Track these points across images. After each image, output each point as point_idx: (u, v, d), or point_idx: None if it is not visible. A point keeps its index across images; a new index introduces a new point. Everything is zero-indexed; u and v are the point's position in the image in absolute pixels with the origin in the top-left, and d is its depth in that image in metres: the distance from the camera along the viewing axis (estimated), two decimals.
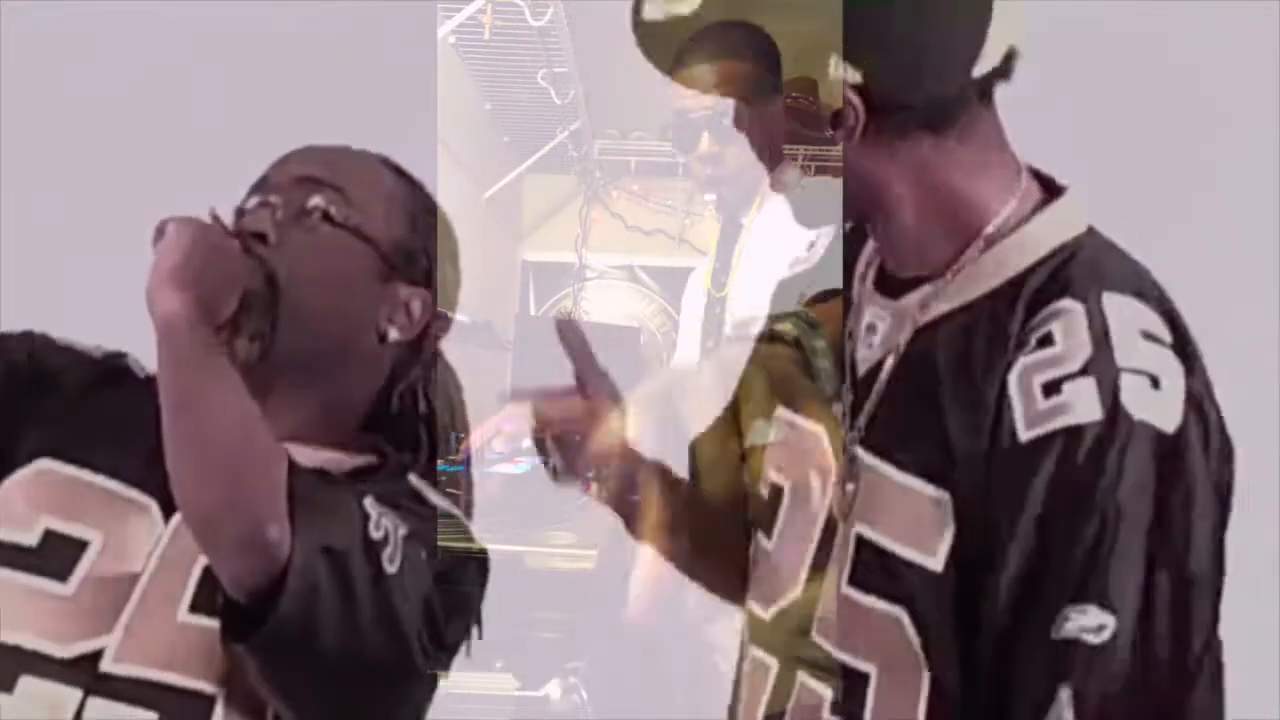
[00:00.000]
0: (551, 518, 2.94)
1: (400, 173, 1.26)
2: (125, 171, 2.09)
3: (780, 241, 2.30)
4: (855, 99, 1.00)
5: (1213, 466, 0.95)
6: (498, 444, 2.84)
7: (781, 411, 1.17)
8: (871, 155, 1.03)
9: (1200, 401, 0.96)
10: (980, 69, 0.99)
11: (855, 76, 0.99)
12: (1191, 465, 0.93)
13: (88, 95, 2.14)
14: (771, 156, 2.05)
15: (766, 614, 1.14)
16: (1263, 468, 1.12)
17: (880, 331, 1.08)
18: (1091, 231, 1.03)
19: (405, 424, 1.24)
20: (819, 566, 1.09)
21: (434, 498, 1.19)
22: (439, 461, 1.25)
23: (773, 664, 1.12)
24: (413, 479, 1.19)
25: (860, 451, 1.05)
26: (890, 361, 1.05)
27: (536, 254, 4.82)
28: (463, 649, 1.17)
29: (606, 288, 4.64)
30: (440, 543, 1.15)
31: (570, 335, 1.24)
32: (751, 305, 2.42)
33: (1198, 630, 0.92)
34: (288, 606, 1.00)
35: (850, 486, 1.05)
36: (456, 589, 1.14)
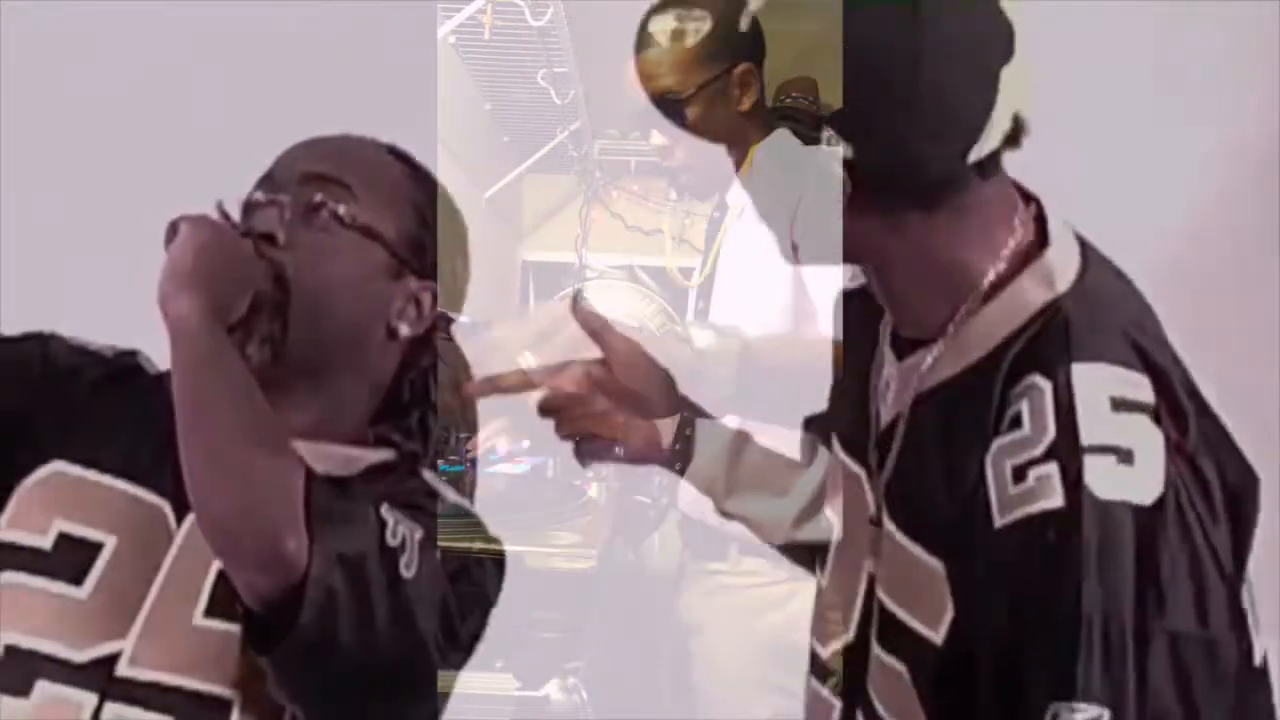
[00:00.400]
0: (551, 518, 2.94)
1: (407, 161, 1.26)
2: (125, 171, 2.09)
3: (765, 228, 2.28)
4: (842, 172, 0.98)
5: (1217, 518, 0.92)
6: (501, 444, 2.84)
7: (835, 447, 1.17)
8: (860, 224, 1.01)
9: (1193, 457, 0.93)
10: (979, 152, 0.96)
11: (845, 152, 0.97)
12: (1182, 529, 0.91)
13: (88, 95, 2.14)
14: (734, 137, 2.04)
15: (824, 652, 1.14)
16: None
17: (893, 389, 1.07)
18: (1082, 278, 1.00)
19: (415, 412, 1.24)
20: (867, 617, 1.07)
21: (449, 494, 1.19)
22: (441, 462, 1.25)
23: (834, 703, 1.12)
24: (427, 475, 1.19)
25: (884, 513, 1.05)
26: (900, 426, 1.04)
27: (536, 254, 4.82)
28: (475, 647, 1.17)
29: (606, 288, 4.63)
30: (455, 541, 1.15)
31: (587, 316, 1.26)
32: (730, 293, 2.38)
33: (1209, 687, 0.90)
34: (307, 618, 1.00)
35: (877, 554, 1.05)
36: (472, 587, 1.14)
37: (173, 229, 1.09)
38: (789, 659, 2.31)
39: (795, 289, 2.27)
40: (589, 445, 1.26)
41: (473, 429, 1.32)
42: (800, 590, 2.33)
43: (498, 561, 1.19)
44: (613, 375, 1.27)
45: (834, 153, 0.99)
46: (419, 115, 2.54)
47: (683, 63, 2.15)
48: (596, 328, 1.28)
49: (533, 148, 4.42)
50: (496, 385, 1.26)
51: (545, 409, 1.25)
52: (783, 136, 1.04)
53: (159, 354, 1.14)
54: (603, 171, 4.71)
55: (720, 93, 2.16)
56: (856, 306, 1.18)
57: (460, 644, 1.13)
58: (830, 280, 2.16)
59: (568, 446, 1.30)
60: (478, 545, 1.17)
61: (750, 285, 2.34)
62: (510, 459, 2.96)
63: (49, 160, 2.10)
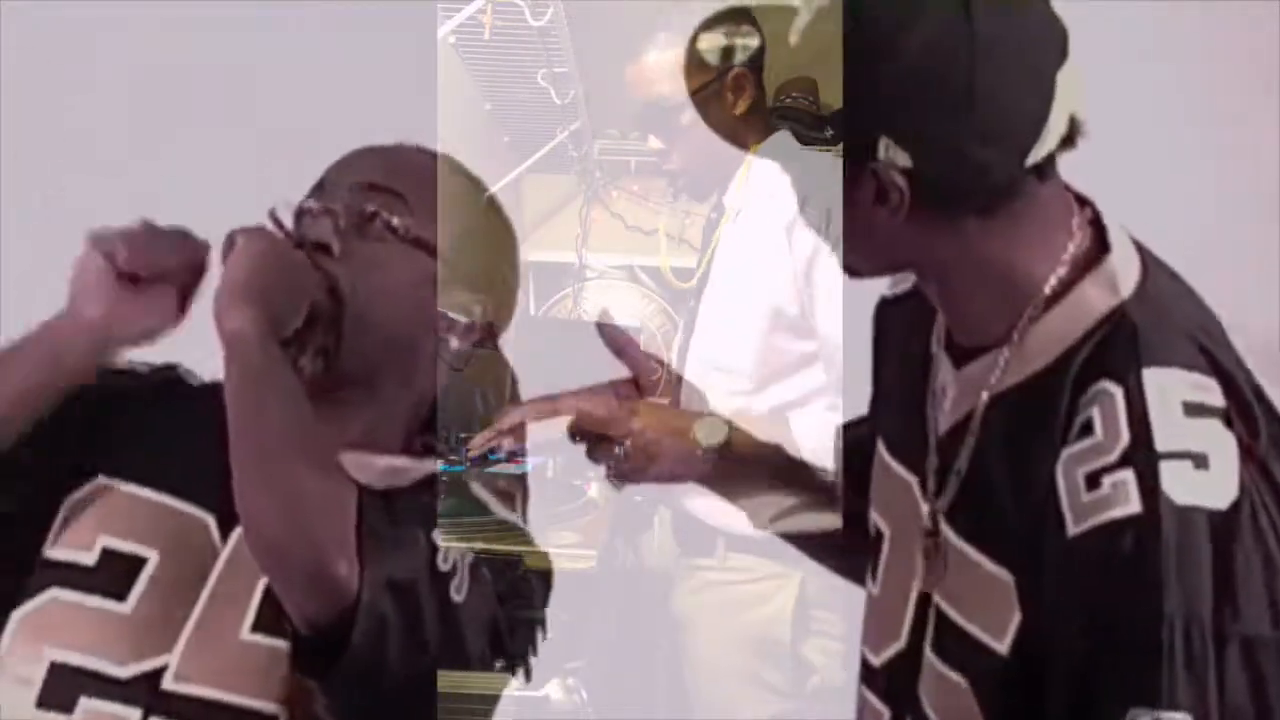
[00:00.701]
0: (551, 518, 2.94)
1: (461, 172, 1.26)
2: (124, 171, 2.09)
3: (761, 229, 2.32)
4: (901, 182, 0.96)
5: None
6: (507, 443, 2.84)
7: (881, 452, 1.16)
8: (915, 230, 0.99)
9: (1264, 460, 0.93)
10: (1036, 155, 0.96)
11: (904, 160, 0.96)
12: (1255, 533, 0.90)
13: (86, 96, 2.14)
14: (729, 140, 2.11)
15: (876, 660, 1.13)
16: None
17: (950, 396, 1.06)
18: (1144, 283, 0.99)
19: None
20: (920, 625, 1.06)
21: (498, 509, 1.19)
22: (440, 463, 1.25)
23: (884, 711, 1.11)
24: (476, 489, 1.19)
25: (941, 521, 1.04)
26: (965, 434, 1.03)
27: (536, 254, 4.81)
28: (527, 661, 1.17)
29: (606, 288, 4.62)
30: (504, 557, 1.15)
31: (613, 334, 1.25)
32: (723, 297, 2.43)
33: None
34: (357, 645, 0.99)
35: (935, 563, 1.04)
36: (521, 604, 1.14)
37: (230, 242, 1.09)
38: (773, 653, 2.36)
39: (795, 296, 2.29)
40: (622, 467, 1.25)
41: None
42: (784, 586, 2.36)
43: (544, 574, 1.19)
44: (642, 395, 1.26)
45: (836, 154, 0.99)
46: (419, 115, 2.54)
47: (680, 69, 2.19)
48: (622, 345, 1.27)
49: (533, 148, 4.41)
50: (526, 414, 1.25)
51: (576, 433, 1.24)
52: (782, 138, 1.04)
53: (199, 363, 1.14)
54: (603, 171, 4.69)
55: (715, 95, 2.21)
56: (903, 311, 1.18)
57: (510, 662, 1.13)
58: (833, 288, 2.21)
59: (568, 446, 1.30)
60: (526, 561, 1.17)
61: (745, 290, 2.36)
62: (511, 458, 2.96)
63: (48, 161, 2.10)
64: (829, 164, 1.04)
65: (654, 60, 2.35)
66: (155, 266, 1.10)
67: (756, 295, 2.33)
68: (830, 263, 2.20)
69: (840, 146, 1.00)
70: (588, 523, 3.02)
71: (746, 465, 1.27)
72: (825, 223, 2.01)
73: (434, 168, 1.25)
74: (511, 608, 1.13)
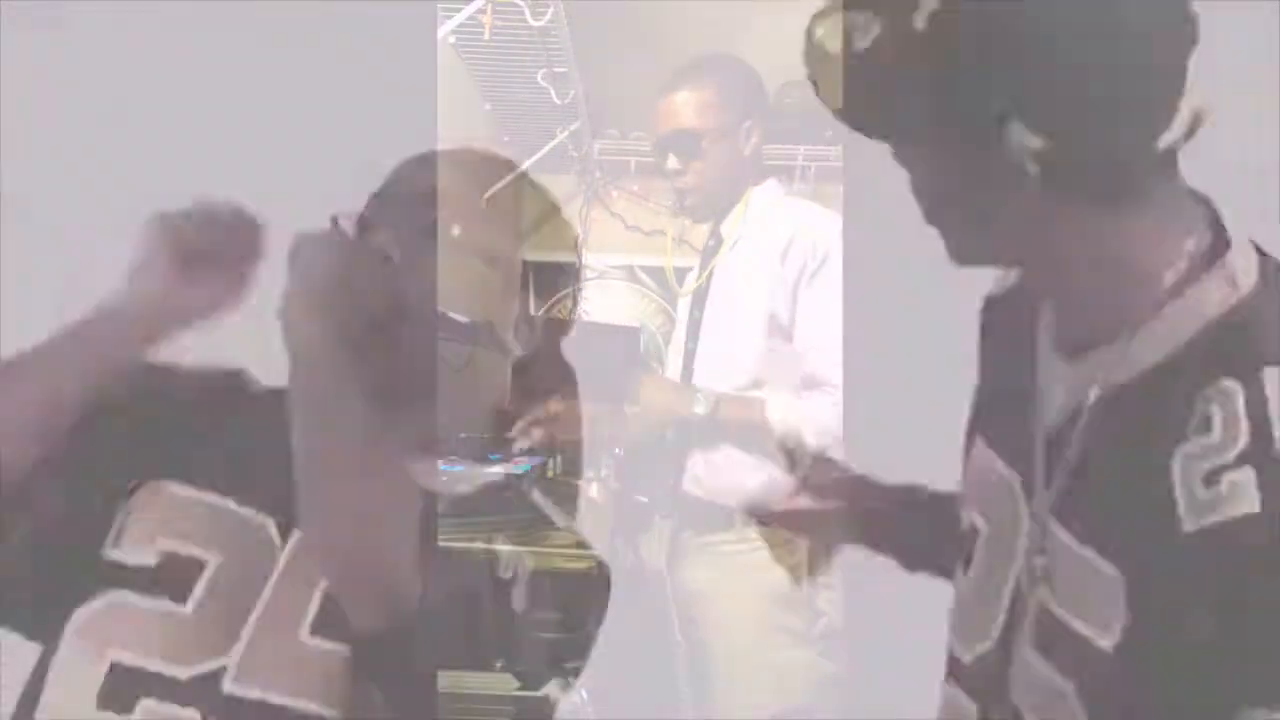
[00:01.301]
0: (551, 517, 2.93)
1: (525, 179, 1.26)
2: (124, 171, 2.09)
3: (757, 256, 2.63)
4: (1032, 166, 0.95)
5: None
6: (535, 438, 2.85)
7: (980, 450, 1.15)
8: (1039, 218, 0.98)
9: None
10: (1165, 141, 0.95)
11: (1036, 143, 0.94)
12: None
13: (86, 95, 2.14)
14: (735, 174, 2.53)
15: (965, 657, 1.11)
16: None
17: (1059, 392, 1.04)
18: (1263, 280, 0.98)
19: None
20: (1014, 623, 1.05)
21: (558, 518, 1.19)
22: (442, 463, 1.25)
23: (971, 708, 1.10)
24: (536, 495, 1.20)
25: (1047, 518, 1.03)
26: (1075, 430, 1.02)
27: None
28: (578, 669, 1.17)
29: (606, 288, 4.62)
30: (558, 556, 1.16)
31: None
32: (723, 305, 2.70)
33: None
34: (417, 651, 1.00)
35: (1040, 560, 1.02)
36: (577, 613, 1.15)
37: (297, 248, 1.08)
38: (793, 602, 2.59)
39: (787, 306, 2.57)
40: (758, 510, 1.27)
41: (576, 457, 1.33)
42: (798, 545, 2.56)
43: (602, 585, 1.20)
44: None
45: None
46: (419, 115, 2.54)
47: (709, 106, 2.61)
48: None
49: (533, 148, 4.40)
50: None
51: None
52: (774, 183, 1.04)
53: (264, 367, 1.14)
54: (603, 171, 4.69)
55: (725, 137, 2.61)
56: (1008, 308, 1.17)
57: (563, 670, 1.14)
58: (824, 300, 2.45)
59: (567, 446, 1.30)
60: (583, 569, 1.18)
61: (743, 301, 2.65)
62: (510, 459, 2.95)
63: (47, 162, 2.09)
64: (820, 210, 1.05)
65: (683, 98, 2.67)
66: (216, 244, 1.10)
67: (753, 306, 2.61)
68: (817, 281, 2.52)
69: (841, 149, 1.00)
70: (587, 523, 3.01)
71: (741, 430, 1.29)
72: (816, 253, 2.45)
73: (499, 175, 1.25)
74: (568, 616, 1.13)
